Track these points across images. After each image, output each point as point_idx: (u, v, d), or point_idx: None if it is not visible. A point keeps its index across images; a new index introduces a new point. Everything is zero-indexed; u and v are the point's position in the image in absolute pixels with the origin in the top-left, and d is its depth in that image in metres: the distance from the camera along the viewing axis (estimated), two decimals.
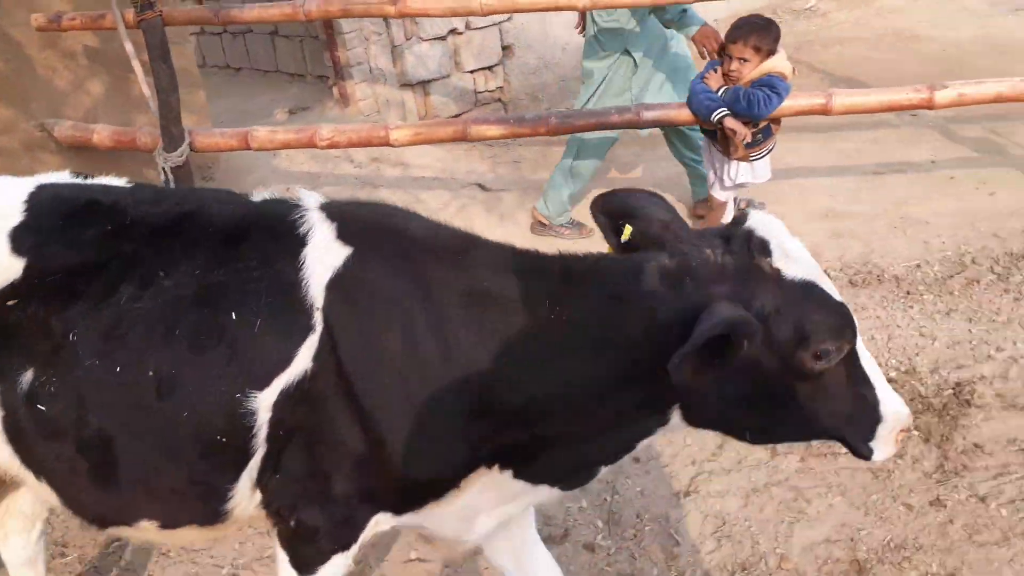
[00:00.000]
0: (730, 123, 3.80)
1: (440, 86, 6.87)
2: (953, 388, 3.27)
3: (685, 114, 3.95)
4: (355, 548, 1.86)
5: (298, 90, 7.01)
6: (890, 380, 3.35)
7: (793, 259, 1.62)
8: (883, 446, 1.72)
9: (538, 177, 5.96)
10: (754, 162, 4.10)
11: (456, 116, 6.98)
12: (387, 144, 4.21)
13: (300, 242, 1.75)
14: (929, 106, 3.92)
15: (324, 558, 1.84)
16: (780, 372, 1.58)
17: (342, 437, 1.69)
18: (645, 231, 1.75)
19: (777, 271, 1.60)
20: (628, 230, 1.77)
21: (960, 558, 2.51)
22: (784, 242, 1.63)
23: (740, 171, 4.14)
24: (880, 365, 3.40)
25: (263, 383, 1.67)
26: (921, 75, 5.99)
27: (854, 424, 1.69)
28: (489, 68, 7.16)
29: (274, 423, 1.70)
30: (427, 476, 1.77)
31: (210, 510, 1.82)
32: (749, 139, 3.87)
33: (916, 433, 3.05)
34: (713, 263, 1.62)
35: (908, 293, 3.96)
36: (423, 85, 6.77)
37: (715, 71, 3.90)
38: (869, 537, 2.63)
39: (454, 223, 1.92)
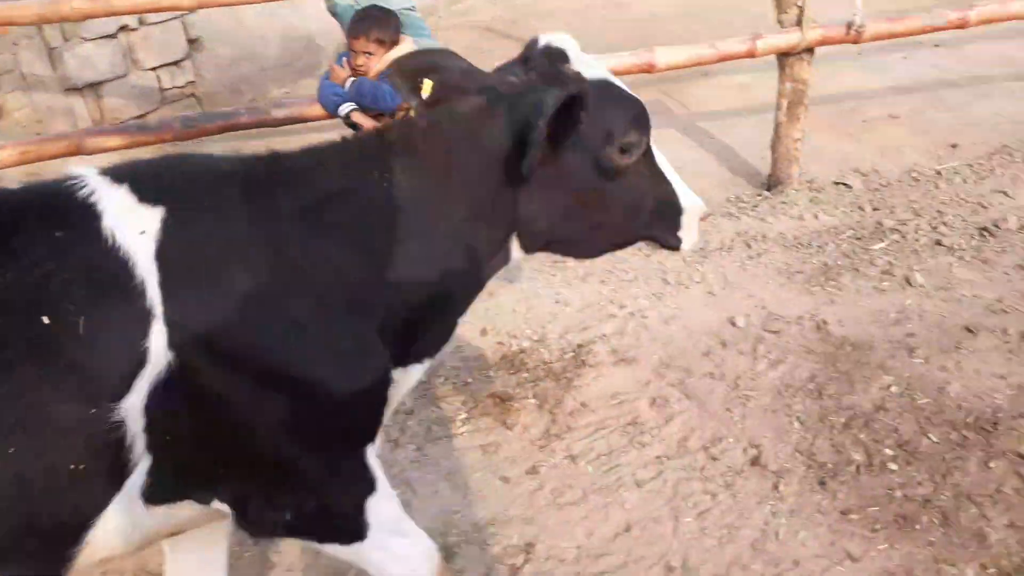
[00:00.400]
0: (357, 117, 3.74)
1: (116, 87, 6.31)
2: (574, 351, 3.40)
3: (317, 110, 3.84)
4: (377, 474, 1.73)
5: None
6: (521, 351, 3.48)
7: (587, 63, 1.78)
8: (689, 234, 1.98)
9: None
10: None
11: (140, 117, 6.50)
12: None
13: (93, 216, 1.47)
14: None
15: (364, 496, 1.70)
16: (593, 172, 1.75)
17: (271, 400, 1.55)
18: (445, 82, 1.81)
19: (578, 73, 1.75)
20: (427, 84, 1.81)
21: (541, 525, 2.59)
22: (576, 49, 1.80)
23: None
24: (516, 337, 3.56)
25: (119, 391, 1.41)
26: (619, 41, 6.24)
27: (662, 218, 1.93)
28: (175, 63, 6.68)
29: (153, 427, 1.46)
30: (370, 387, 1.68)
31: (46, 561, 1.50)
32: None
33: (533, 401, 3.14)
34: (521, 82, 1.75)
35: (554, 261, 4.08)
36: (94, 88, 6.19)
37: (343, 65, 3.81)
38: (463, 519, 2.66)
39: None
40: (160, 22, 6.45)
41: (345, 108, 3.73)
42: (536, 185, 1.73)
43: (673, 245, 2.00)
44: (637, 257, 4.02)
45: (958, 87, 5.39)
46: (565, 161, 1.71)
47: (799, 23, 3.83)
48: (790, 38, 3.86)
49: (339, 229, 1.66)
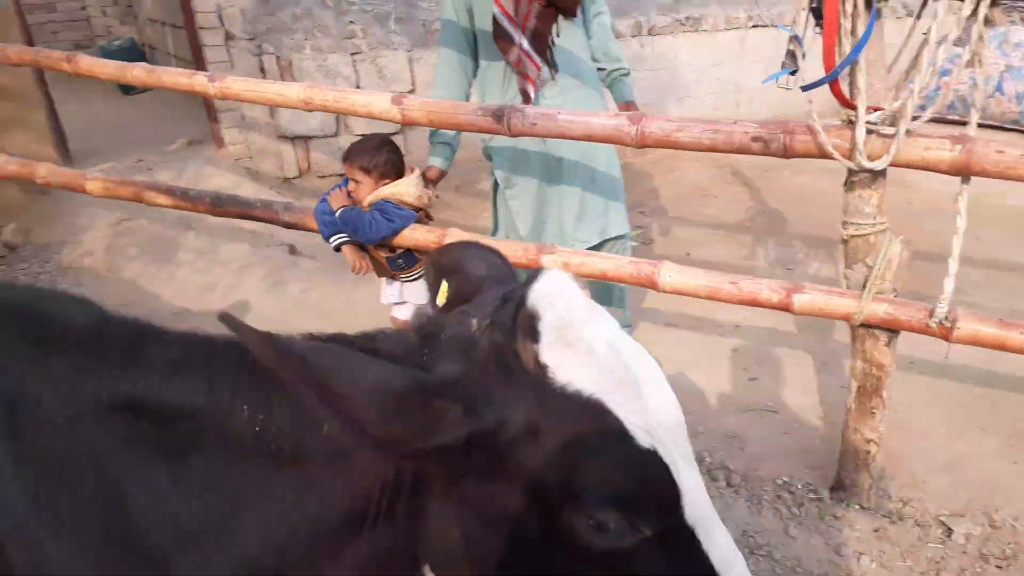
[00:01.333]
0: (347, 252, 3.54)
1: (323, 144, 6.79)
2: None
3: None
4: None
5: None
6: None
7: (579, 352, 1.02)
8: None
9: None
10: (405, 283, 3.73)
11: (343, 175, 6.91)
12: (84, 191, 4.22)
13: None
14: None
15: None
16: (548, 535, 1.01)
17: None
18: (459, 291, 1.31)
19: (543, 368, 1.02)
20: (443, 289, 1.37)
21: None
22: (569, 323, 1.03)
23: (388, 291, 3.77)
24: None
25: None
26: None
27: None
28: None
29: None
30: None
31: None
32: (362, 270, 3.62)
33: None
34: (463, 340, 1.10)
35: None
36: (304, 140, 6.72)
37: (342, 189, 3.59)
38: None
39: None
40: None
41: (336, 240, 3.56)
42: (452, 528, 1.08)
43: None
44: None
45: None
46: (494, 500, 1.03)
47: (864, 287, 2.62)
48: (841, 304, 2.67)
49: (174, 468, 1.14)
